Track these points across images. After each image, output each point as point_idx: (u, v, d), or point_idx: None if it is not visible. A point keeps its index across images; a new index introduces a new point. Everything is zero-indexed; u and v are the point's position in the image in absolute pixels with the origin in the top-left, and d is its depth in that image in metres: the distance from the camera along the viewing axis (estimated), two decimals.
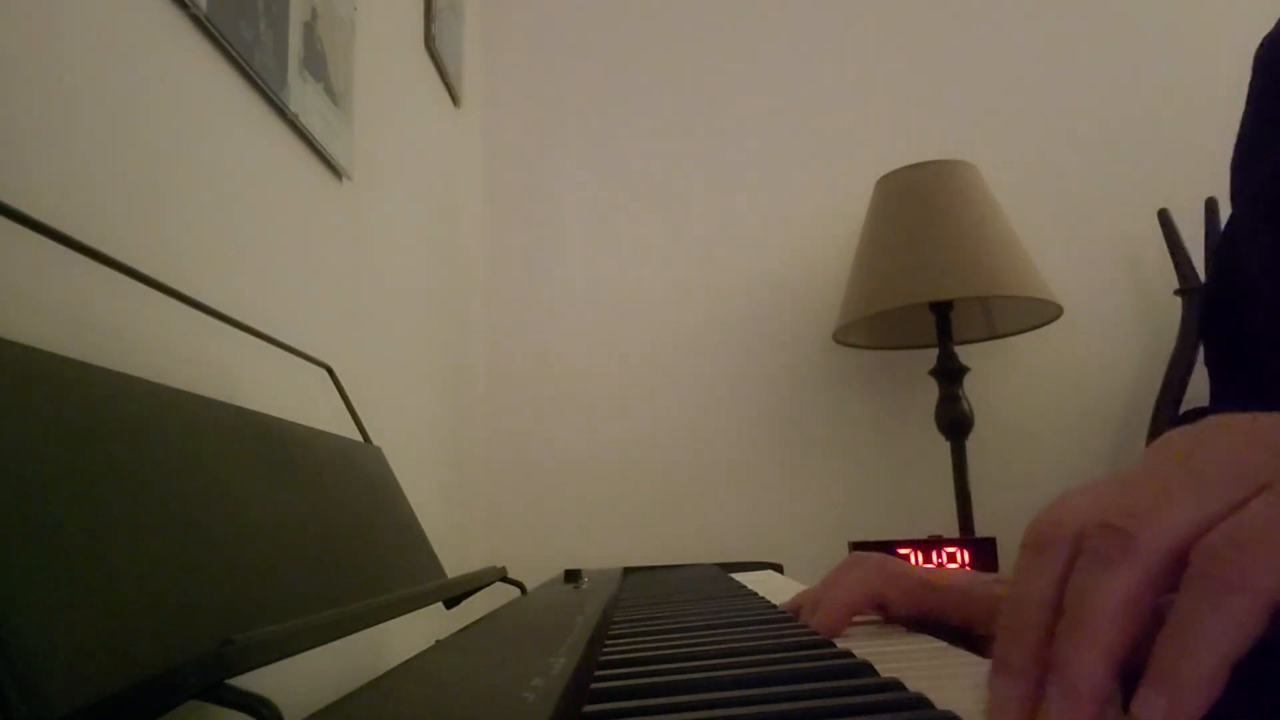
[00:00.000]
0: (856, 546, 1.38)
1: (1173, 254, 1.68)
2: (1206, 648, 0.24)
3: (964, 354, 1.56)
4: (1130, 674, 0.26)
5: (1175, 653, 0.24)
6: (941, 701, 0.31)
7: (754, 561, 1.29)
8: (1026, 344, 1.73)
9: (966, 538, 1.43)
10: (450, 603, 0.70)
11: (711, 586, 0.84)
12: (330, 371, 0.81)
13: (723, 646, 0.45)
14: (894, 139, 1.81)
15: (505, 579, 0.79)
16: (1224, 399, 0.53)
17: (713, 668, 0.39)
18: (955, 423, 1.51)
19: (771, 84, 1.87)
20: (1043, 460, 1.71)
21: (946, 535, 1.44)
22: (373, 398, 1.00)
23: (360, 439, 0.80)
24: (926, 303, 1.49)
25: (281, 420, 0.58)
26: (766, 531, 1.70)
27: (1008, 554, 1.39)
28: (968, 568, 1.36)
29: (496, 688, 0.32)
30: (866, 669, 0.38)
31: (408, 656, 0.43)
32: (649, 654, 0.45)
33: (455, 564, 1.34)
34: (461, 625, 0.58)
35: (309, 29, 0.85)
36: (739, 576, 1.04)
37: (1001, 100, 1.85)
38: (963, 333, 1.63)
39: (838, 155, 1.83)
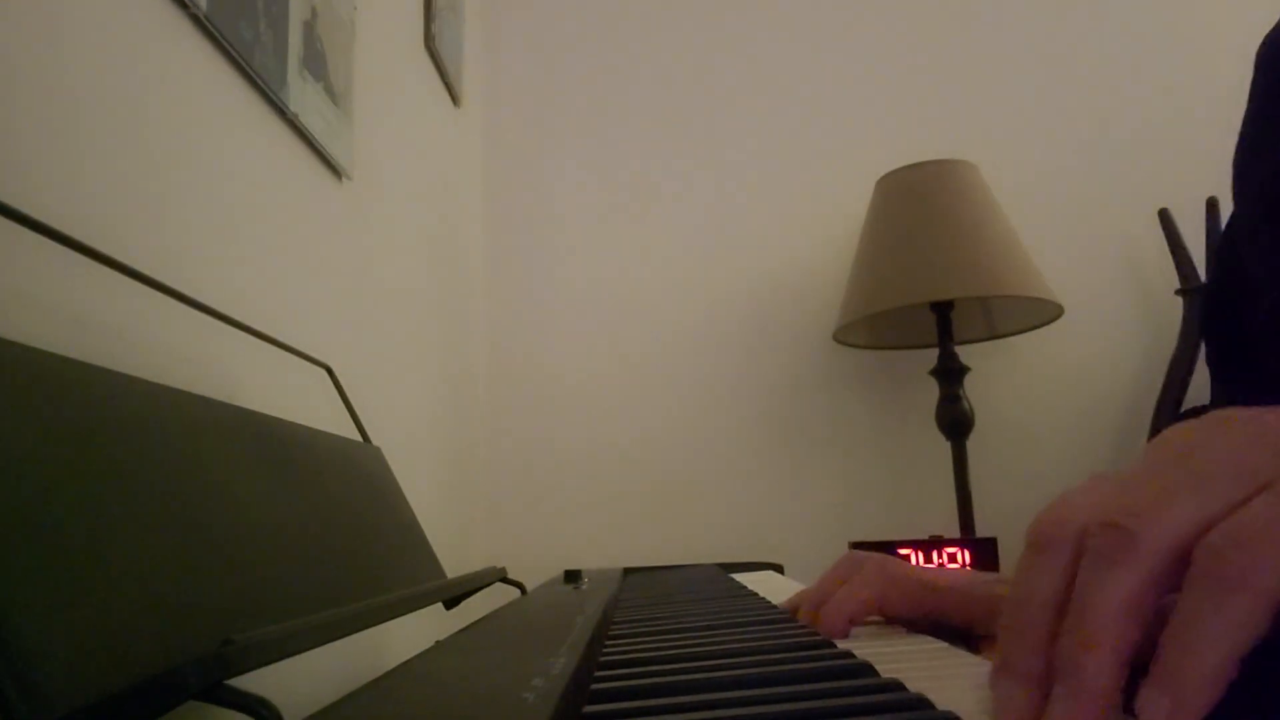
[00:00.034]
0: (856, 547, 1.38)
1: (1173, 254, 1.68)
2: (1210, 647, 0.23)
3: (964, 354, 1.56)
4: (1133, 673, 0.26)
5: (1178, 653, 0.24)
6: (942, 702, 0.31)
7: (754, 562, 1.29)
8: (1027, 344, 1.73)
9: (967, 538, 1.43)
10: (450, 603, 0.70)
11: (711, 587, 0.84)
12: (330, 371, 0.81)
13: (723, 647, 0.45)
14: (894, 139, 1.81)
15: (505, 579, 0.79)
16: (1225, 398, 0.53)
17: (713, 668, 0.39)
18: (956, 423, 1.51)
19: (772, 84, 1.87)
20: (1043, 460, 1.71)
21: (947, 535, 1.44)
22: (372, 398, 1.00)
23: (360, 439, 0.80)
24: (927, 303, 1.49)
25: (281, 420, 0.58)
26: (766, 532, 1.70)
27: (1008, 554, 1.39)
28: (968, 568, 1.36)
29: (496, 688, 0.32)
30: (867, 670, 0.38)
31: (408, 656, 0.43)
32: (649, 654, 0.44)
33: (455, 564, 1.34)
34: (461, 626, 0.58)
35: (309, 28, 0.85)
36: (739, 577, 1.04)
37: (1001, 100, 1.85)
38: (963, 333, 1.63)
39: (838, 155, 1.83)
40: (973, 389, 1.57)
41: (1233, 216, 0.52)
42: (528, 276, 1.80)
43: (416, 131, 1.29)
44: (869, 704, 0.31)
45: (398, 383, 1.14)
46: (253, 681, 0.30)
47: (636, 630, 0.55)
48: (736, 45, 1.89)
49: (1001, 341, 1.72)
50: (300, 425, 0.62)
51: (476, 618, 0.61)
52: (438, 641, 0.50)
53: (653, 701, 0.33)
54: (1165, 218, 1.71)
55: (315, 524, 0.53)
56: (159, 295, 0.55)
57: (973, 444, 1.57)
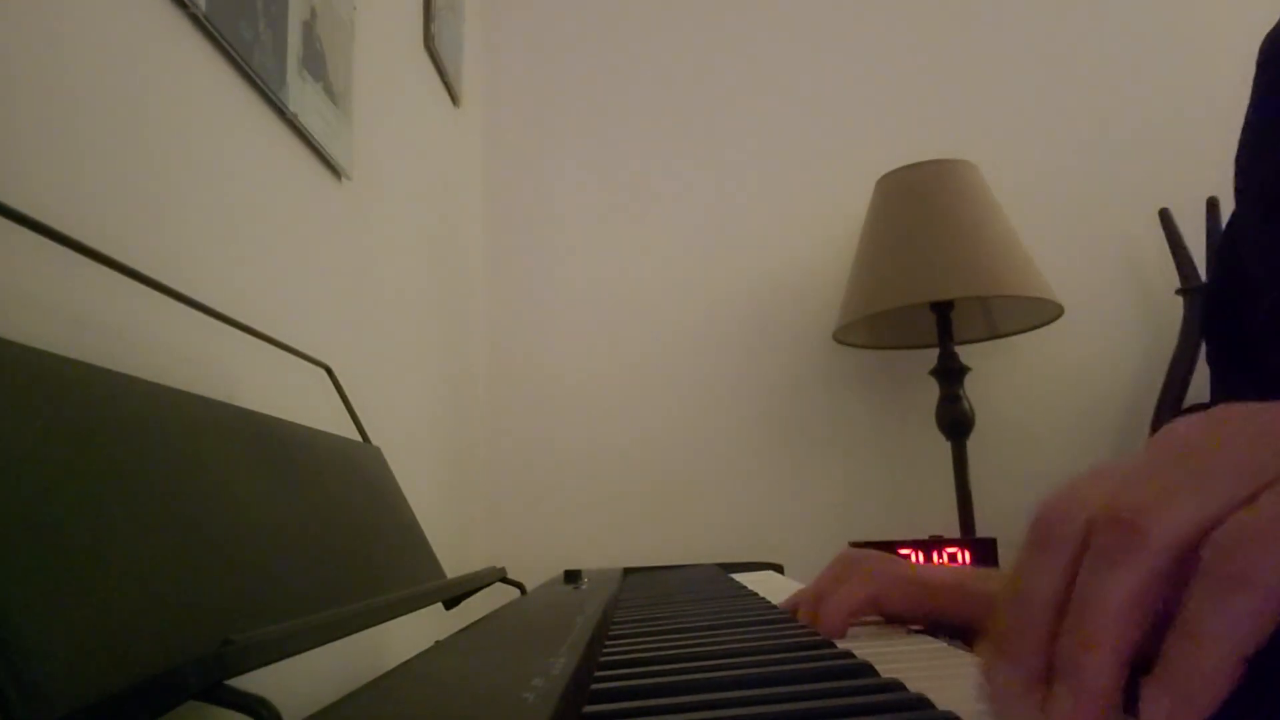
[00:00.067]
0: (856, 546, 1.38)
1: (1174, 253, 1.68)
2: (1215, 645, 0.23)
3: (964, 354, 1.56)
4: (1133, 672, 0.25)
5: (1183, 651, 0.24)
6: (942, 702, 0.31)
7: (754, 562, 1.29)
8: (1027, 344, 1.73)
9: (967, 538, 1.43)
10: (450, 603, 0.70)
11: (711, 587, 0.84)
12: (329, 371, 0.81)
13: (723, 647, 0.45)
14: (894, 139, 1.81)
15: (505, 579, 0.79)
16: (1226, 397, 0.53)
17: (713, 668, 0.39)
18: (956, 423, 1.51)
19: (771, 84, 1.87)
20: (1043, 460, 1.71)
21: (947, 535, 1.44)
22: (372, 398, 1.00)
23: (360, 439, 0.80)
24: (927, 303, 1.49)
25: (281, 420, 0.58)
26: (766, 531, 1.70)
27: (1008, 554, 1.39)
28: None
29: (496, 688, 0.32)
30: (867, 669, 0.38)
31: (408, 656, 0.43)
32: (649, 655, 0.44)
33: (455, 564, 1.34)
34: (461, 626, 0.58)
35: (308, 28, 0.84)
36: (739, 577, 1.04)
37: (1001, 100, 1.85)
38: (963, 333, 1.63)
39: (838, 155, 1.83)
40: (973, 389, 1.57)
41: (1233, 216, 0.52)
42: (528, 276, 1.80)
43: (416, 131, 1.29)
44: (869, 704, 0.31)
45: (398, 383, 1.14)
46: (253, 681, 0.30)
47: (636, 630, 0.55)
48: (736, 45, 1.89)
49: (1001, 341, 1.72)
50: (300, 425, 0.61)
51: (476, 618, 0.61)
52: (438, 641, 0.50)
53: (653, 701, 0.33)
54: (1165, 217, 1.71)
55: (315, 524, 0.53)
56: (159, 295, 0.55)
57: (973, 444, 1.57)
